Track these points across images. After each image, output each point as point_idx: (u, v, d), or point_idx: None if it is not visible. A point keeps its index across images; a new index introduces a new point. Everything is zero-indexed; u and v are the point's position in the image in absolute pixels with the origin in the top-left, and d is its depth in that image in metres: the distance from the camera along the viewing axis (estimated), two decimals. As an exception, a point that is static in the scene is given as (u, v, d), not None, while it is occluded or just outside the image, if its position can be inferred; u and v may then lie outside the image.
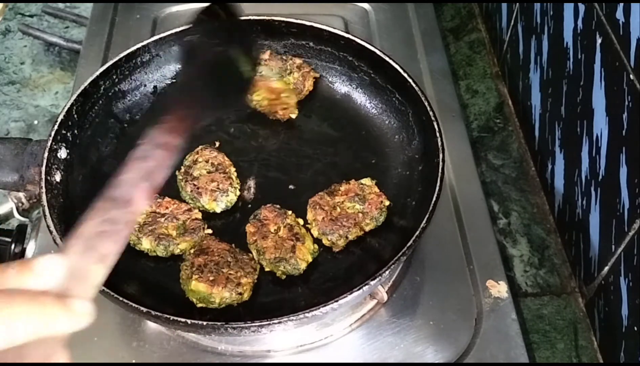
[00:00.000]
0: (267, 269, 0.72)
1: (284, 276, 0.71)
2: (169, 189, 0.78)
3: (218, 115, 0.85)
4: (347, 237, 0.74)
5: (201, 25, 0.64)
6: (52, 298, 0.37)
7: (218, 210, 0.77)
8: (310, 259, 0.72)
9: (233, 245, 0.73)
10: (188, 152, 0.81)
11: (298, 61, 0.90)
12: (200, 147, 0.81)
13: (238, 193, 0.79)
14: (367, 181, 0.78)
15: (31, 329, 0.36)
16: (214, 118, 0.86)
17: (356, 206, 0.76)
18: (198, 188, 0.77)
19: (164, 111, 0.53)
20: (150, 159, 0.49)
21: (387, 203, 0.76)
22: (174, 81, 0.91)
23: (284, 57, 0.90)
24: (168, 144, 0.50)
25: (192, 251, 0.72)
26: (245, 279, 0.69)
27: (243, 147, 0.85)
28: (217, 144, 0.83)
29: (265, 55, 0.90)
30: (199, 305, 0.68)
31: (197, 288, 0.68)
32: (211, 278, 0.68)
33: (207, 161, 0.79)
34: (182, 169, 0.79)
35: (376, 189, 0.77)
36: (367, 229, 0.75)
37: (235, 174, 0.80)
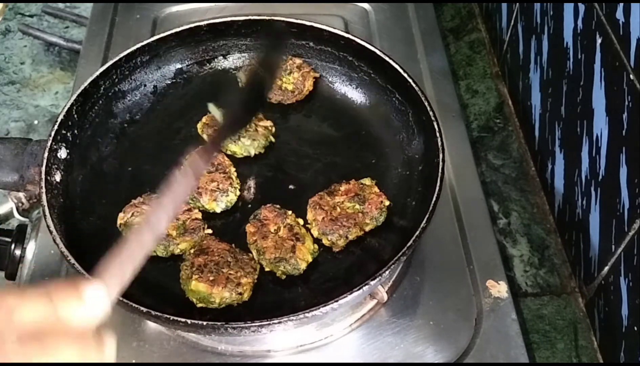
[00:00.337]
0: (267, 269, 0.72)
1: (284, 276, 0.71)
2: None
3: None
4: (347, 237, 0.74)
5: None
6: (90, 340, 0.39)
7: (218, 210, 0.77)
8: (310, 259, 0.72)
9: (233, 245, 0.73)
10: (186, 154, 0.81)
11: (298, 60, 0.90)
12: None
13: (238, 192, 0.79)
14: (367, 181, 0.78)
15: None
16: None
17: (356, 206, 0.75)
18: (198, 188, 0.77)
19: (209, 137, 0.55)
20: (181, 185, 0.50)
21: (387, 203, 0.76)
22: (174, 80, 0.91)
23: (284, 57, 0.90)
24: (199, 172, 0.52)
25: (192, 251, 0.72)
26: (245, 279, 0.69)
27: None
28: None
29: (265, 56, 0.90)
30: (199, 305, 0.68)
31: (197, 288, 0.68)
32: (211, 278, 0.68)
33: None
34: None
35: (376, 189, 0.77)
36: (367, 229, 0.75)
37: (235, 174, 0.80)
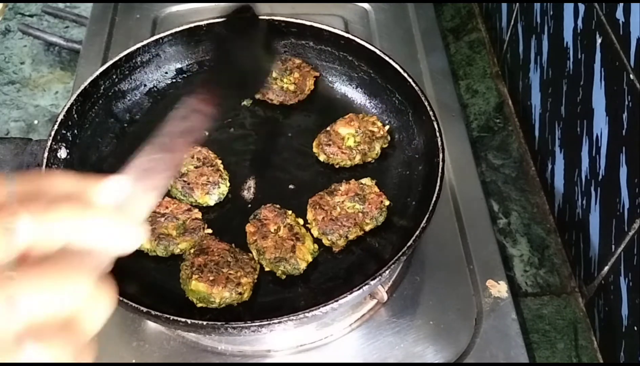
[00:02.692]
0: (267, 269, 0.72)
1: (284, 276, 0.71)
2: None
3: (235, 100, 0.87)
4: (347, 237, 0.74)
5: (230, 24, 0.70)
6: (107, 210, 0.37)
7: (211, 203, 0.78)
8: (310, 259, 0.72)
9: (233, 245, 0.73)
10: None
11: (297, 60, 0.90)
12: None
13: (228, 184, 0.79)
14: (367, 181, 0.78)
15: (79, 230, 0.35)
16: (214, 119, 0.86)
17: (356, 206, 0.76)
18: (189, 184, 0.77)
19: (196, 86, 0.57)
20: (187, 120, 0.53)
21: (387, 202, 0.76)
22: (174, 80, 0.91)
23: (284, 57, 0.90)
24: (202, 110, 0.54)
25: (192, 251, 0.72)
26: (245, 279, 0.69)
27: (243, 146, 0.85)
28: (206, 133, 0.83)
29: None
30: (199, 305, 0.68)
31: (197, 288, 0.68)
32: (211, 278, 0.68)
33: (192, 157, 0.80)
34: None
35: (376, 189, 0.77)
36: (367, 229, 0.75)
37: (222, 166, 0.80)
